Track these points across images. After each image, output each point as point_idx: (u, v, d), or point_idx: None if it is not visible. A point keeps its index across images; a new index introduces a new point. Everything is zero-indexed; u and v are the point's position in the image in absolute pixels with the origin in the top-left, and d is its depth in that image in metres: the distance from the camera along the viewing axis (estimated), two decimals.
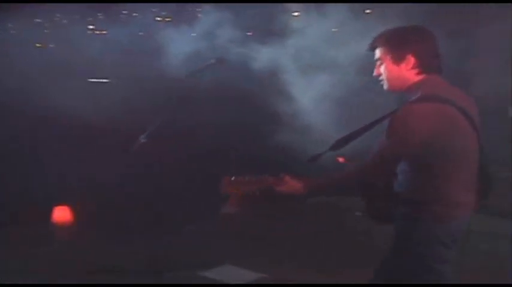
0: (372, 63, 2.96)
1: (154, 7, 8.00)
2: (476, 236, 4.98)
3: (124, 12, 7.89)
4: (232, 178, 2.95)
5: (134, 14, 7.74)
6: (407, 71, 2.78)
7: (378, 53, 2.87)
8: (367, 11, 8.55)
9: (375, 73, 2.91)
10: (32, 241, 5.36)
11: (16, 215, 5.63)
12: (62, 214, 5.88)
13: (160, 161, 4.79)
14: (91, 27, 9.64)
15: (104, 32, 8.58)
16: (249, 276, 4.90)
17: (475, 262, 4.78)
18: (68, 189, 6.15)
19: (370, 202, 2.90)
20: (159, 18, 7.61)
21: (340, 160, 3.01)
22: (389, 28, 2.89)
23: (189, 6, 7.35)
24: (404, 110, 2.67)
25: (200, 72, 4.22)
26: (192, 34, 6.78)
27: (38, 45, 12.68)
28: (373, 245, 5.30)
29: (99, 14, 8.36)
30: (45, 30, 10.92)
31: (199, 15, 7.30)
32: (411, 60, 2.76)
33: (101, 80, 8.96)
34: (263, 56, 6.07)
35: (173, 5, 7.17)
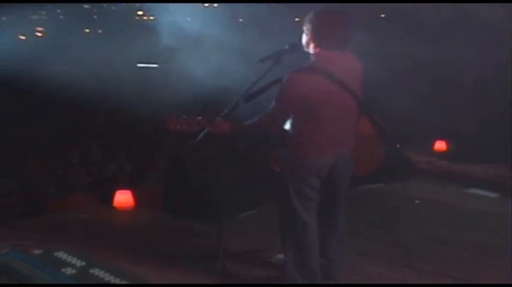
0: None
1: None
2: None
3: None
4: (175, 117, 3.46)
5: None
6: (309, 46, 3.59)
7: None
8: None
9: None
10: None
11: None
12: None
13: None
14: (140, 12, 9.77)
15: (152, 17, 8.71)
16: None
17: None
18: None
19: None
20: (206, 5, 7.74)
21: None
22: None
23: None
24: (285, 76, 3.49)
25: (273, 58, 3.80)
26: (239, 20, 6.89)
27: (86, 30, 12.96)
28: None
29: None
30: (94, 16, 11.16)
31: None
32: (310, 38, 3.58)
33: (150, 65, 9.14)
34: None
35: None
